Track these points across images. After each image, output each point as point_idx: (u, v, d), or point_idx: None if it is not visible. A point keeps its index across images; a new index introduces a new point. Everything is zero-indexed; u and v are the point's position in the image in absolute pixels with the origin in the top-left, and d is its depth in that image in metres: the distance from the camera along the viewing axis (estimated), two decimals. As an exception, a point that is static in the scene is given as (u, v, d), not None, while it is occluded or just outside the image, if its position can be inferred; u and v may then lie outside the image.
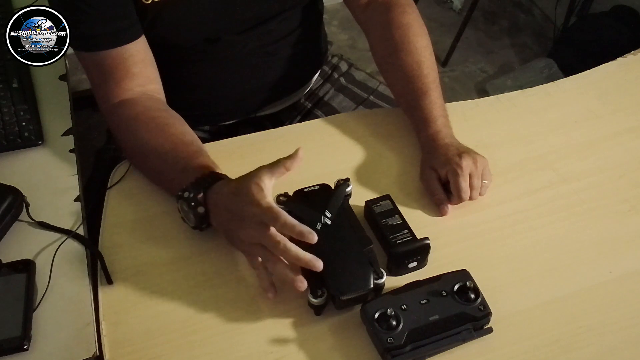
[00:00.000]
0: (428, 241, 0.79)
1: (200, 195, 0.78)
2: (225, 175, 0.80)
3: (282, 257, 0.74)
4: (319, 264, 0.71)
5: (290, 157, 0.75)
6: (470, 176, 0.85)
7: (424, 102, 0.93)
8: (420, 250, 0.79)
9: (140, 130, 0.86)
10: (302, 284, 0.72)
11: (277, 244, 0.72)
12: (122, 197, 0.88)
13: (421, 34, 0.98)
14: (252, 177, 0.75)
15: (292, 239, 0.74)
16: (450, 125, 0.94)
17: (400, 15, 0.99)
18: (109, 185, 0.89)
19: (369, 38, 1.04)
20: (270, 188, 0.75)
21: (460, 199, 0.85)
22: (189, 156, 0.82)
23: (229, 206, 0.76)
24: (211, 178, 0.78)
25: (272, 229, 0.72)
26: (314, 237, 0.70)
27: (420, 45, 0.97)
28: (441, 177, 0.88)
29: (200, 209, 0.78)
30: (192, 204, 0.78)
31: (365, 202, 0.85)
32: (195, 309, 0.76)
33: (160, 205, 0.86)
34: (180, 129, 0.87)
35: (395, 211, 0.84)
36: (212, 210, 0.78)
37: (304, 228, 0.71)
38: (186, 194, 0.78)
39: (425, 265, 0.81)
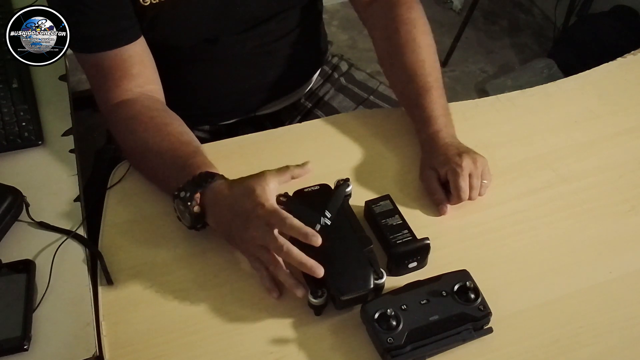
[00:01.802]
0: (428, 241, 0.79)
1: (197, 195, 0.78)
2: (222, 175, 0.80)
3: (284, 261, 0.74)
4: (319, 271, 0.72)
5: (299, 166, 0.78)
6: (469, 176, 0.85)
7: (425, 101, 0.92)
8: (420, 250, 0.79)
9: (138, 130, 0.86)
10: (301, 291, 0.74)
11: (281, 246, 0.72)
12: (122, 197, 0.88)
13: (426, 32, 0.98)
14: (258, 179, 0.75)
15: (292, 241, 0.74)
16: (453, 124, 0.93)
17: (406, 11, 0.98)
18: (108, 186, 0.89)
19: (373, 34, 1.02)
20: (275, 192, 0.76)
21: (459, 199, 0.85)
22: (186, 155, 0.82)
23: (233, 206, 0.76)
24: (208, 177, 0.78)
25: (276, 232, 0.73)
26: (317, 240, 0.72)
27: (425, 44, 0.96)
28: (441, 177, 0.87)
29: (197, 209, 0.78)
30: (189, 203, 0.78)
31: (365, 202, 0.85)
32: (195, 309, 0.77)
33: (160, 205, 0.86)
34: (179, 128, 0.87)
35: (395, 211, 0.84)
36: (210, 209, 0.78)
37: (309, 230, 0.72)
38: (182, 193, 0.78)
39: (425, 265, 0.81)
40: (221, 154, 0.91)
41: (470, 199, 0.86)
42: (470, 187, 0.85)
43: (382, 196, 0.86)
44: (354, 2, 1.05)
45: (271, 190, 0.75)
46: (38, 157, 0.91)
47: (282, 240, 0.73)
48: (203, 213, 0.78)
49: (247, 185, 0.75)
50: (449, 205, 0.87)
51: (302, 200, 0.80)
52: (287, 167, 0.78)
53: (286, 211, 0.79)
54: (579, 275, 0.82)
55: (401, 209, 0.84)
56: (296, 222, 0.72)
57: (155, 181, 0.87)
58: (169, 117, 0.88)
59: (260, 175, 0.76)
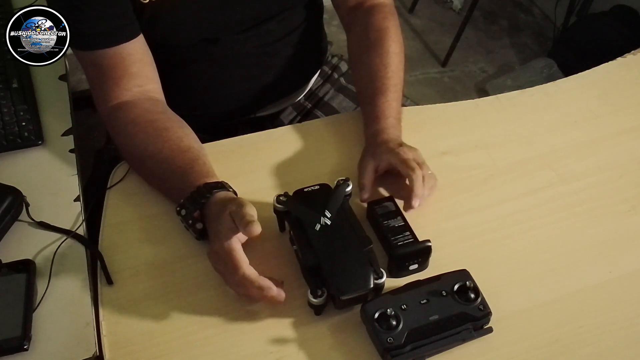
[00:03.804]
0: (429, 244, 0.79)
1: (197, 213, 0.79)
2: (221, 183, 0.80)
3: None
4: (281, 297, 0.74)
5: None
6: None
7: (379, 100, 0.93)
8: (421, 253, 0.79)
9: (138, 135, 0.86)
10: (282, 295, 0.74)
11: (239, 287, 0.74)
12: (122, 197, 0.88)
13: (396, 40, 1.00)
14: (224, 239, 0.74)
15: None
16: (401, 128, 0.93)
17: (380, 20, 1.01)
18: (108, 186, 0.89)
19: (348, 37, 1.05)
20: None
21: (410, 169, 0.82)
22: (184, 164, 0.82)
23: (210, 227, 0.77)
24: (206, 192, 0.78)
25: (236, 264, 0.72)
26: (281, 296, 0.73)
27: (392, 51, 0.98)
28: (379, 167, 0.87)
29: (199, 225, 0.79)
30: (190, 221, 0.79)
31: (368, 203, 0.85)
32: (195, 309, 0.77)
33: (160, 205, 0.86)
34: (178, 133, 0.87)
35: (397, 213, 0.83)
36: (208, 225, 0.79)
37: (273, 293, 0.73)
38: (183, 211, 0.79)
39: (426, 267, 0.81)
40: (221, 154, 0.92)
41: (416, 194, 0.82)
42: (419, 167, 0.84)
43: (385, 197, 0.86)
44: (337, 7, 1.08)
45: (240, 252, 0.73)
46: (38, 157, 0.91)
47: (242, 280, 0.72)
48: (206, 228, 0.79)
49: (219, 245, 0.74)
50: (416, 201, 0.83)
51: (302, 200, 0.80)
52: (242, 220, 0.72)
53: (286, 211, 0.80)
54: (579, 275, 0.82)
55: (401, 207, 0.84)
56: (263, 285, 0.72)
57: (156, 187, 0.87)
58: (168, 121, 0.88)
59: (224, 235, 0.73)
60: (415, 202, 0.82)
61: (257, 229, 0.69)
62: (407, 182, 0.83)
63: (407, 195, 0.83)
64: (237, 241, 0.73)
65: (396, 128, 0.92)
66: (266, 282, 0.72)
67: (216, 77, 1.04)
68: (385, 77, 0.96)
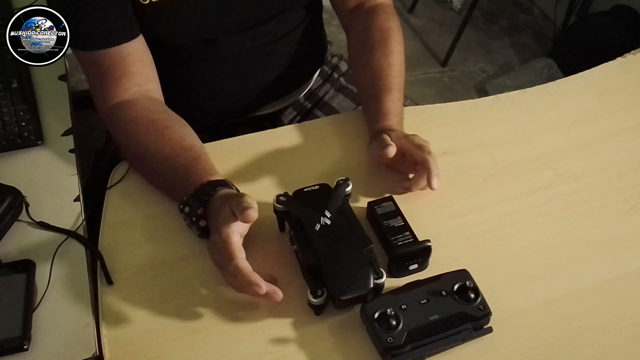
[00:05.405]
0: (429, 243, 0.79)
1: (200, 210, 0.78)
2: (224, 181, 0.81)
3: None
4: (278, 295, 0.73)
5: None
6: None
7: (385, 98, 0.94)
8: (421, 253, 0.79)
9: (139, 134, 0.86)
10: (279, 295, 0.73)
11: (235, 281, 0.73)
12: (122, 197, 0.88)
13: (399, 41, 1.01)
14: (223, 230, 0.74)
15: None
16: (403, 129, 0.93)
17: (383, 20, 1.01)
18: (108, 185, 0.89)
19: (349, 37, 1.05)
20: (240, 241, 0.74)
21: (427, 153, 0.84)
22: (187, 162, 0.83)
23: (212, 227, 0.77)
24: (210, 189, 0.78)
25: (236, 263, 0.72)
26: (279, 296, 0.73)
27: (396, 51, 0.99)
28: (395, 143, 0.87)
29: (202, 223, 0.79)
30: (194, 219, 0.79)
31: (368, 203, 0.85)
32: (196, 309, 0.77)
33: (160, 205, 0.86)
34: (180, 132, 0.87)
35: (397, 213, 0.83)
36: (210, 221, 0.78)
37: (261, 292, 0.72)
38: (186, 208, 0.79)
39: (426, 267, 0.81)
40: (221, 154, 0.91)
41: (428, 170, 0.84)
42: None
43: (385, 197, 0.86)
44: (337, 8, 1.08)
45: (238, 242, 0.74)
46: (38, 157, 0.91)
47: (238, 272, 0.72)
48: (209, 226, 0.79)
49: (218, 235, 0.74)
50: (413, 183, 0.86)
51: (302, 199, 0.80)
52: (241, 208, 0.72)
53: (286, 211, 0.80)
54: (579, 275, 0.82)
55: (400, 207, 0.84)
56: (243, 268, 0.71)
57: (158, 186, 0.87)
58: (170, 120, 0.88)
59: (225, 226, 0.74)
60: (436, 182, 0.83)
61: (253, 214, 0.70)
62: (420, 165, 0.85)
63: (427, 177, 0.84)
64: (236, 233, 0.73)
65: (400, 127, 0.92)
66: (256, 279, 0.71)
67: (216, 77, 1.04)
68: (390, 76, 0.96)
